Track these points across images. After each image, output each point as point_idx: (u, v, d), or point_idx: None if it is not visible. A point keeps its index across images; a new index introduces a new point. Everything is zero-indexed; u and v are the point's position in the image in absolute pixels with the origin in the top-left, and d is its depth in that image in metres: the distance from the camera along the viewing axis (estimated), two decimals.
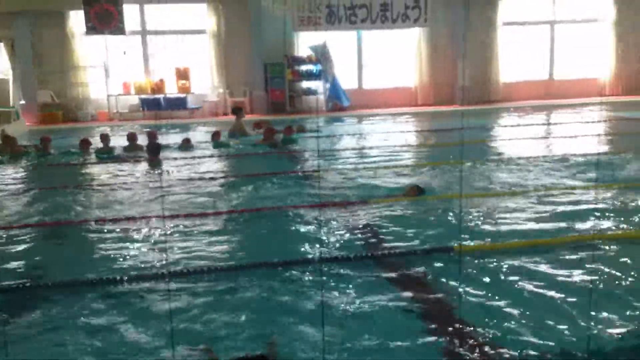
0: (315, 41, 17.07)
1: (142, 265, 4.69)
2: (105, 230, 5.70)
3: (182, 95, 17.02)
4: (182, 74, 17.06)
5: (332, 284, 4.15)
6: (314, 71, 17.37)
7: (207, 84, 17.50)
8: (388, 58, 18.19)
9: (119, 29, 16.22)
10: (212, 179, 8.13)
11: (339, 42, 17.65)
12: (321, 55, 16.99)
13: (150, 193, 7.35)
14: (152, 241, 5.35)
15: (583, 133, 11.36)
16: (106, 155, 10.41)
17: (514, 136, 11.53)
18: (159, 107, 16.92)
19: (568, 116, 14.80)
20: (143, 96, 16.93)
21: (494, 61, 17.96)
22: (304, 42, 17.40)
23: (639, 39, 18.35)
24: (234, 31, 17.18)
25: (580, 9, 18.56)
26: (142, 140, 11.06)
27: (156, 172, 9.02)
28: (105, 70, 16.75)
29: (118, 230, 5.68)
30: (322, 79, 17.34)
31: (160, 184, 7.87)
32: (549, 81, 18.89)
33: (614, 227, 5.25)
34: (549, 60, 18.90)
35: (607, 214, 5.65)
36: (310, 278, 4.29)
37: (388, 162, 9.08)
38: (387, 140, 11.44)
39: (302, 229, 5.54)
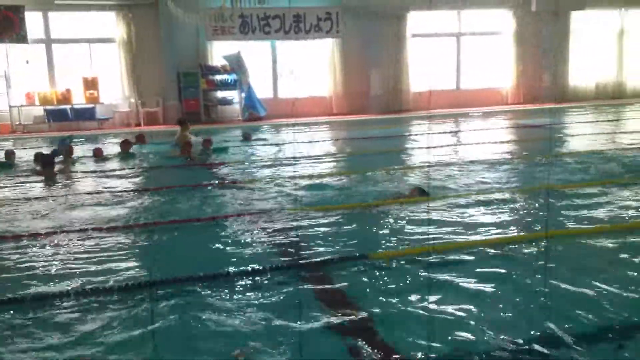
0: (229, 51, 17.03)
1: (46, 283, 4.48)
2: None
3: (91, 106, 16.43)
4: (90, 84, 16.47)
5: (248, 296, 4.14)
6: (229, 81, 17.30)
7: (117, 93, 17.00)
8: (303, 68, 18.40)
9: (20, 37, 15.47)
10: (121, 191, 7.90)
11: (254, 52, 17.68)
12: (236, 64, 16.96)
13: (46, 207, 7.05)
14: (51, 258, 5.10)
15: (486, 140, 11.93)
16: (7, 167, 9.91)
17: (423, 144, 11.96)
18: (65, 118, 16.26)
19: (473, 124, 15.51)
20: (48, 107, 16.21)
21: (404, 72, 18.59)
22: (219, 52, 17.30)
23: (537, 51, 19.58)
24: (144, 40, 16.81)
25: (483, 22, 19.58)
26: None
27: (52, 185, 8.66)
28: (7, 80, 15.88)
29: (15, 246, 5.41)
30: (238, 89, 17.30)
31: (58, 198, 7.55)
32: (456, 91, 19.75)
33: (518, 230, 5.56)
34: (455, 71, 19.77)
35: (511, 217, 5.98)
36: (224, 292, 4.25)
37: (307, 171, 9.15)
38: (307, 150, 11.52)
39: (215, 242, 5.47)
